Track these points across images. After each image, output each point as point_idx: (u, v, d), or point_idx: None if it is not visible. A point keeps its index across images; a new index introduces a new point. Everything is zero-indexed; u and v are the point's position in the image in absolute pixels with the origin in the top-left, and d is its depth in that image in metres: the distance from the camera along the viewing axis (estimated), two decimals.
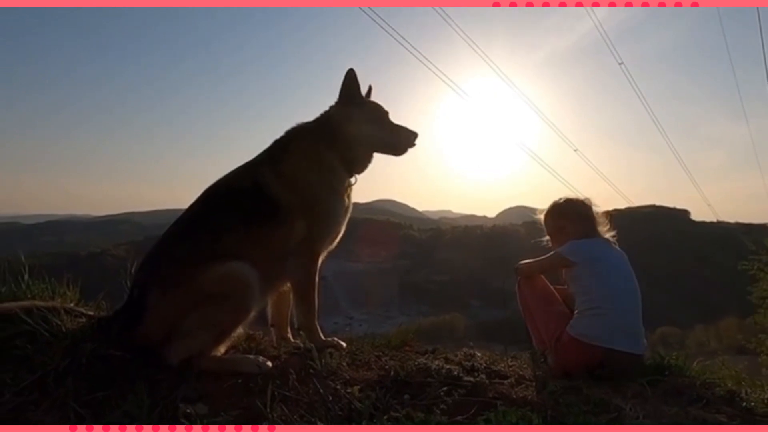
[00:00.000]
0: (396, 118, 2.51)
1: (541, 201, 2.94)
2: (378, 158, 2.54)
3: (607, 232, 2.82)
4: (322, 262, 2.44)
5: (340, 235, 2.49)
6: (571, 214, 2.85)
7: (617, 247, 2.78)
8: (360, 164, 2.49)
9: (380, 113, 2.50)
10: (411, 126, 2.48)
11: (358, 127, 2.42)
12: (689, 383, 2.21)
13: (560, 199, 2.96)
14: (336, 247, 2.51)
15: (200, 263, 2.00)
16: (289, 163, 2.31)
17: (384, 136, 2.47)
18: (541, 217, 2.99)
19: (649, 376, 2.21)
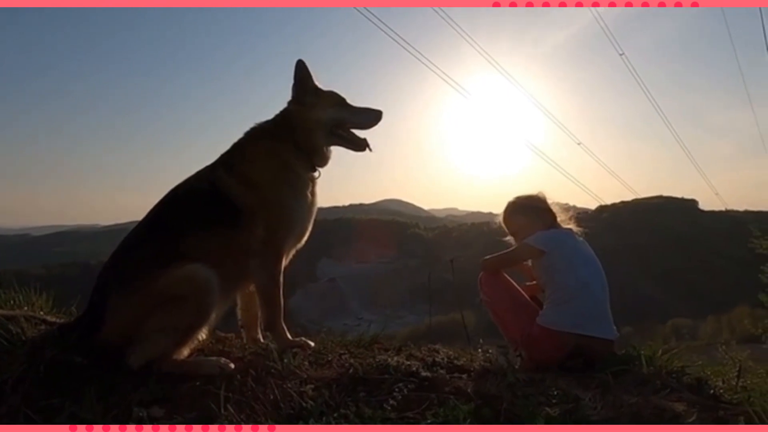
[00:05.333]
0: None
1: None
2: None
3: (567, 223, 2.82)
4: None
5: (307, 234, 2.49)
6: (530, 210, 2.85)
7: (580, 237, 2.77)
8: (321, 155, 2.49)
9: (338, 97, 2.51)
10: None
11: (318, 114, 2.42)
12: (656, 372, 2.18)
13: (514, 198, 2.96)
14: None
15: (158, 266, 2.01)
16: (245, 164, 2.31)
17: (347, 116, 2.47)
18: (500, 220, 2.98)
19: (616, 366, 2.19)
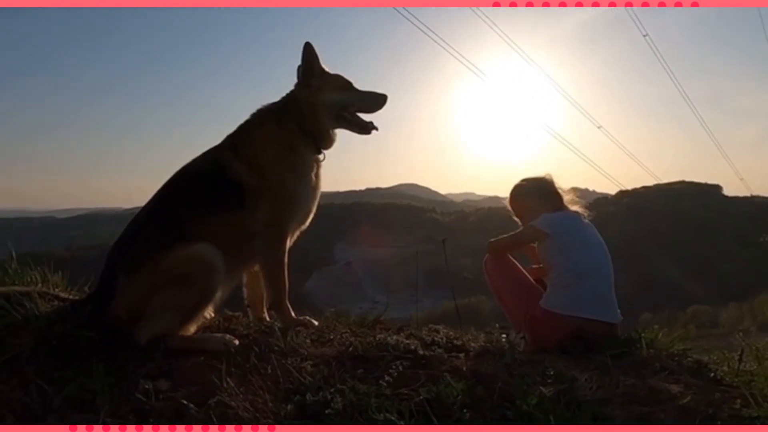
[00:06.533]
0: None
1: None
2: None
3: (574, 206, 2.81)
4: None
5: (311, 216, 2.53)
6: (536, 193, 2.85)
7: (587, 220, 2.76)
8: (327, 138, 2.52)
9: (344, 81, 2.53)
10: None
11: (324, 97, 2.45)
12: (656, 355, 2.18)
13: (521, 180, 2.96)
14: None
15: (165, 246, 2.06)
16: (251, 146, 2.35)
17: (352, 100, 2.50)
18: (507, 202, 2.98)
19: (616, 349, 2.19)
